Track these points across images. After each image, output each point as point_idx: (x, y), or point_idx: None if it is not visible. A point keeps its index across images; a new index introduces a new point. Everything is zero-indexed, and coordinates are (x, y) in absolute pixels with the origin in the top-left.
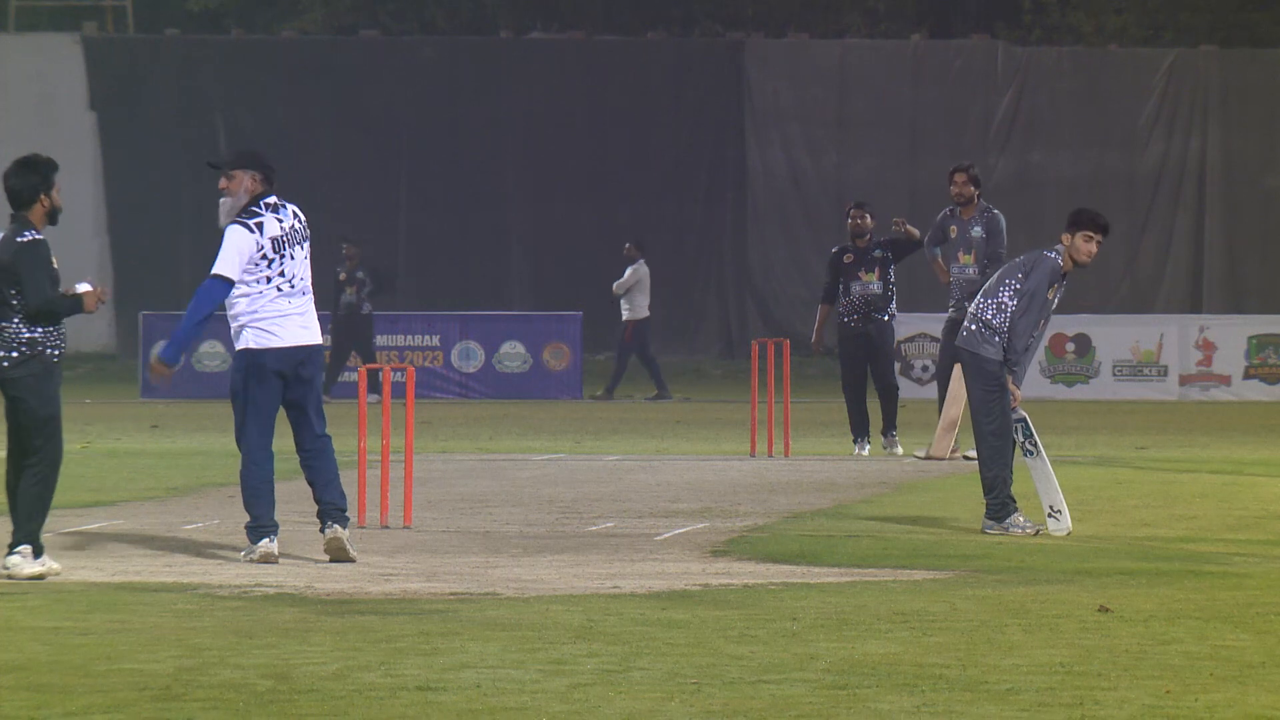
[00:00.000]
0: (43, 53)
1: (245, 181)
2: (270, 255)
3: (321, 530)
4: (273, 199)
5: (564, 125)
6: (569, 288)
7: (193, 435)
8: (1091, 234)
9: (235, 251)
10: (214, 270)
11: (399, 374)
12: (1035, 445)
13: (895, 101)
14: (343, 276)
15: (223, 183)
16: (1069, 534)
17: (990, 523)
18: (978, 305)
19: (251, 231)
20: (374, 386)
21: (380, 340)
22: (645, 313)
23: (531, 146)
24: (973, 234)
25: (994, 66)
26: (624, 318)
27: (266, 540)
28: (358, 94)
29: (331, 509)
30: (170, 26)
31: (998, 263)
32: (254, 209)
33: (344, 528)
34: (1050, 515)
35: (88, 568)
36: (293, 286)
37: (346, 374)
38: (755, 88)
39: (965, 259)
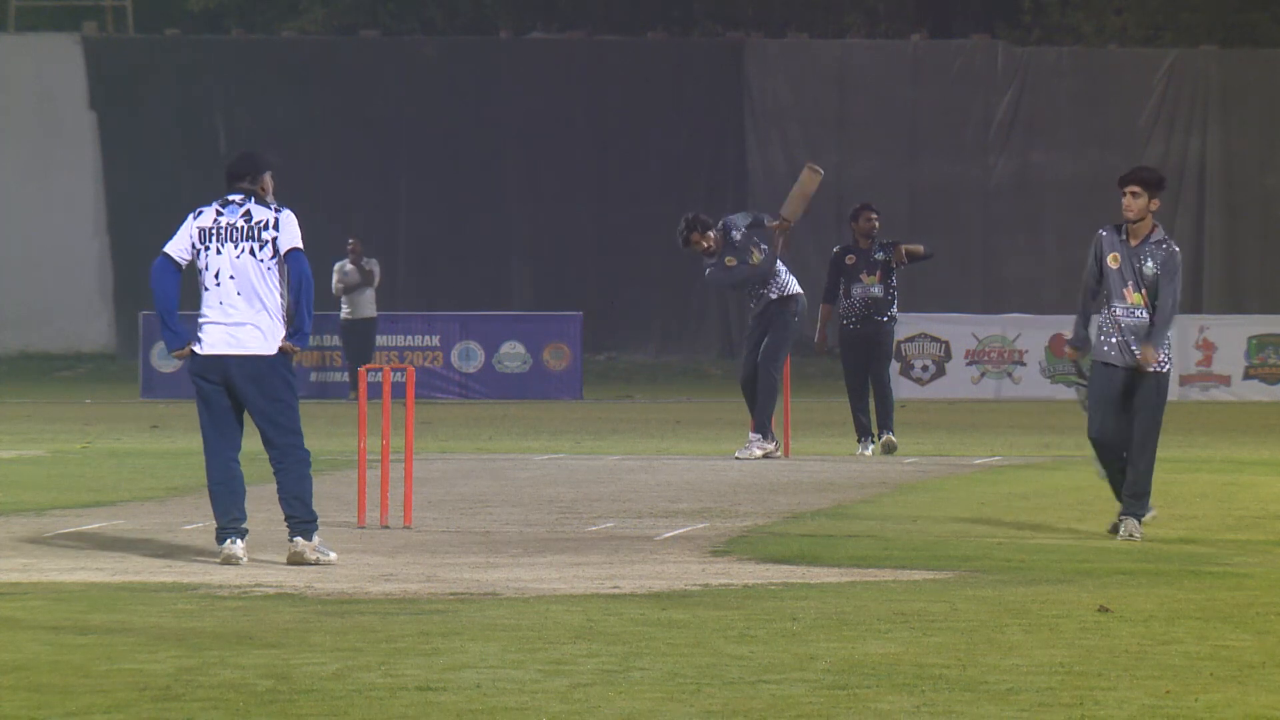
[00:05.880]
0: (43, 53)
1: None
2: (197, 245)
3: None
4: (235, 196)
5: (564, 125)
6: (569, 288)
7: (193, 435)
8: (1122, 189)
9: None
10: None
11: (399, 374)
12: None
13: (895, 101)
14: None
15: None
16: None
17: (1133, 519)
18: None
19: (191, 219)
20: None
21: (380, 340)
22: (373, 312)
23: (531, 147)
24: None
25: (994, 66)
26: (346, 314)
27: (229, 542)
28: (358, 94)
29: (290, 520)
30: (170, 26)
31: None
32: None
33: (306, 538)
34: None
35: (88, 568)
36: (218, 284)
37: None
38: (755, 88)
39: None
